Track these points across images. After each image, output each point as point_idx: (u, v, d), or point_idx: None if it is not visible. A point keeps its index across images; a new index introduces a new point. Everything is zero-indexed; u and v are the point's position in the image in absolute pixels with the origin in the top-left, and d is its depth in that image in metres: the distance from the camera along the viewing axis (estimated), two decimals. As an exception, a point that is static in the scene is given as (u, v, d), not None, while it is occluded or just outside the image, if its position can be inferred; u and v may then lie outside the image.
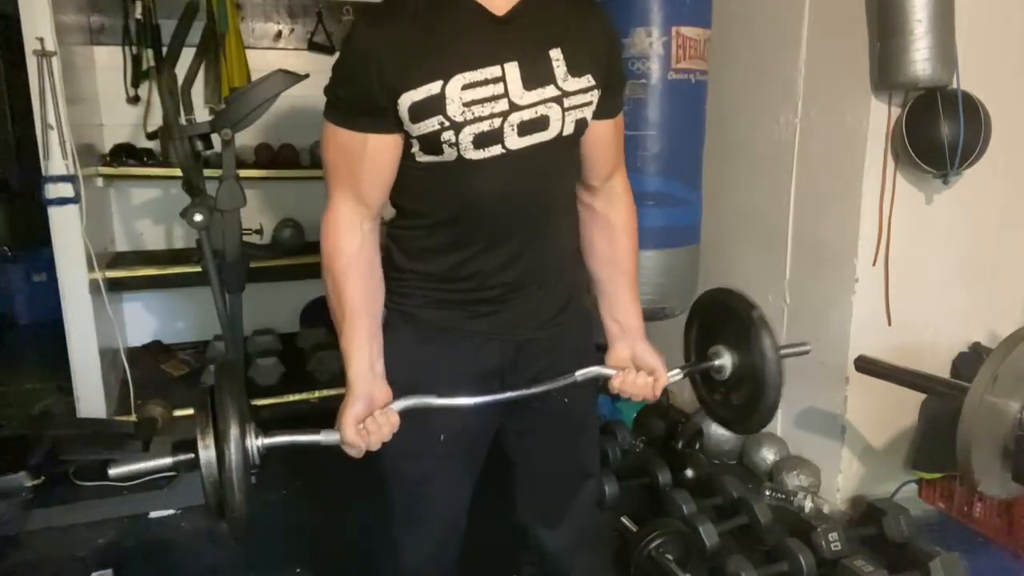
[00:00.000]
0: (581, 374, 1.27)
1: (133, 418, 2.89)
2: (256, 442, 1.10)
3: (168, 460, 1.08)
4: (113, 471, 1.10)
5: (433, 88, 1.06)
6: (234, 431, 1.04)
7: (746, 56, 2.72)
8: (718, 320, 1.42)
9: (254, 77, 3.18)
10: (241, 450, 1.05)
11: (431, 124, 1.08)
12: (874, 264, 2.32)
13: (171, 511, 2.49)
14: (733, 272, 2.80)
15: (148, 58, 3.58)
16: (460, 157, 1.10)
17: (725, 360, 1.38)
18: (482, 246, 1.19)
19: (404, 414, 1.19)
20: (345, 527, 2.40)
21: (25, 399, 3.34)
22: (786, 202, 2.59)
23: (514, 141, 1.11)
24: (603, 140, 1.26)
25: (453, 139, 1.08)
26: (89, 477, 2.61)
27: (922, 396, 2.31)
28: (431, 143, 1.10)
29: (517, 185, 1.15)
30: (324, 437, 1.16)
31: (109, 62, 3.64)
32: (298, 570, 2.21)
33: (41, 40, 2.62)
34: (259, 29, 3.89)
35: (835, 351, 2.41)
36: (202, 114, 3.43)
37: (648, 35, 2.21)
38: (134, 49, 3.61)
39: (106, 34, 3.63)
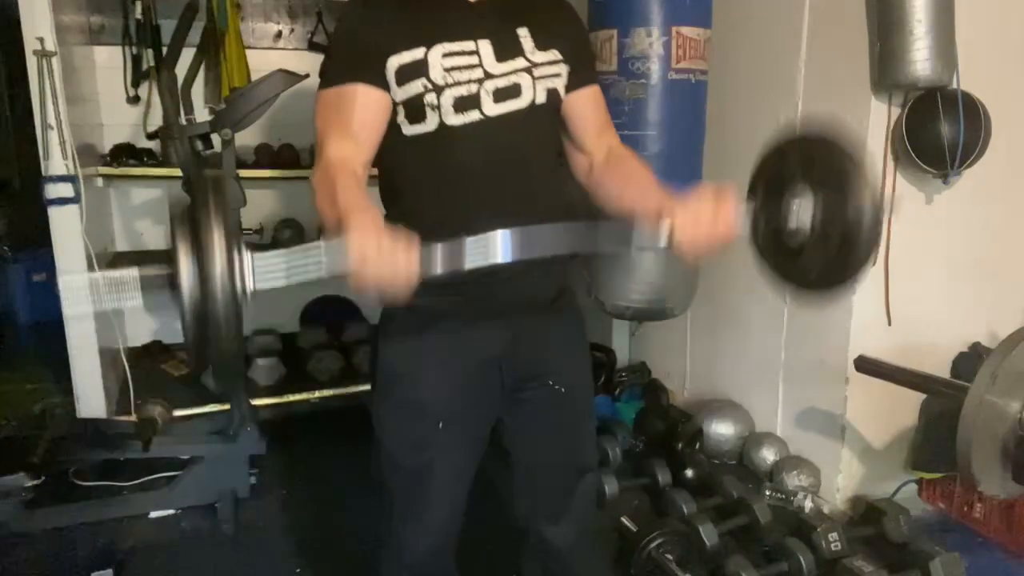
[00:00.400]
0: (640, 230, 1.10)
1: (133, 418, 2.88)
2: (247, 258, 0.92)
3: (133, 272, 0.89)
4: (64, 278, 0.91)
5: (417, 53, 1.18)
6: (219, 241, 0.86)
7: (746, 56, 2.72)
8: (795, 169, 1.17)
9: (254, 77, 3.18)
10: (227, 265, 0.87)
11: (416, 87, 1.18)
12: (874, 264, 2.32)
13: (171, 511, 2.49)
14: (733, 272, 2.80)
15: (148, 58, 3.58)
16: (442, 123, 1.19)
17: (803, 215, 1.12)
18: (468, 214, 1.19)
19: (399, 402, 1.18)
20: (345, 527, 2.40)
21: (25, 399, 3.35)
22: (786, 202, 2.58)
23: (491, 107, 1.20)
24: (587, 106, 1.34)
25: (435, 101, 1.18)
26: (89, 477, 2.61)
27: (922, 396, 2.31)
28: (415, 107, 1.19)
29: (498, 153, 1.22)
30: (327, 251, 0.95)
31: (109, 62, 3.64)
32: (298, 570, 2.21)
33: (41, 40, 2.61)
34: (259, 29, 3.89)
35: (835, 351, 2.41)
36: (202, 114, 3.42)
37: (648, 35, 2.21)
38: (134, 49, 3.61)
39: (106, 34, 3.63)
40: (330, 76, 1.21)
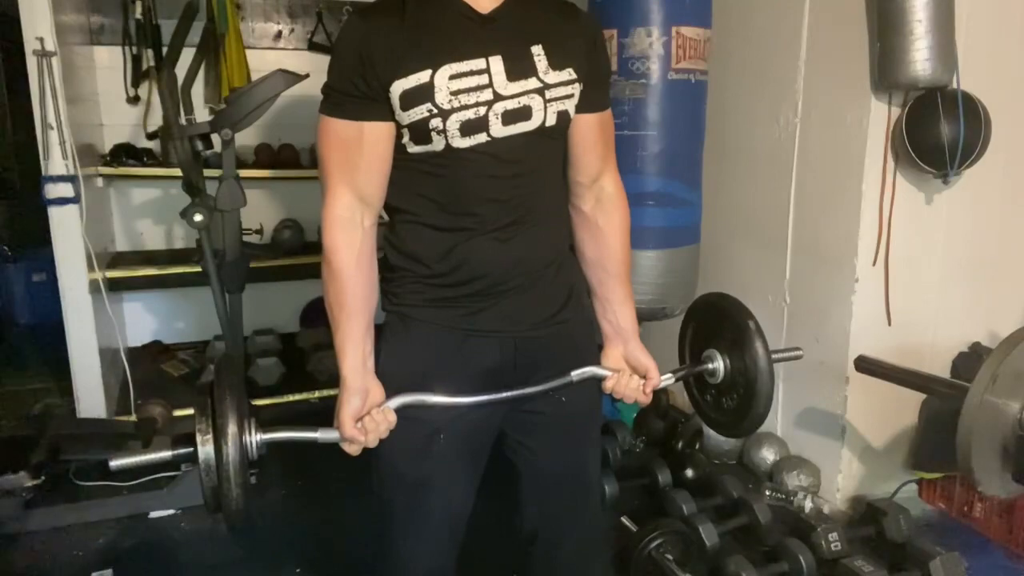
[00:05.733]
0: (577, 374, 1.28)
1: (133, 418, 2.89)
2: (254, 438, 1.11)
3: (168, 454, 1.10)
4: (114, 463, 1.12)
5: (422, 77, 1.11)
6: (232, 427, 1.06)
7: (746, 56, 2.72)
8: (713, 324, 1.43)
9: (254, 77, 3.18)
10: (239, 445, 1.06)
11: (420, 111, 1.12)
12: (874, 264, 2.32)
13: (171, 511, 2.49)
14: (733, 272, 2.81)
15: (148, 58, 3.59)
16: (448, 146, 1.15)
17: (718, 364, 1.40)
18: (472, 233, 1.19)
19: (402, 414, 1.19)
20: (345, 527, 2.40)
21: (25, 399, 3.35)
22: (786, 202, 2.59)
23: (498, 129, 1.15)
24: (589, 135, 1.28)
25: (441, 126, 1.13)
26: (89, 477, 2.61)
27: (922, 396, 2.31)
28: (420, 131, 1.14)
29: (504, 173, 1.18)
30: (322, 435, 1.18)
31: (109, 62, 3.65)
32: (298, 570, 2.21)
33: (41, 40, 2.62)
34: (259, 29, 3.89)
35: (835, 351, 2.41)
36: (202, 114, 3.43)
37: (648, 35, 2.21)
38: (134, 49, 3.61)
39: (106, 34, 3.63)
40: (334, 103, 1.15)
